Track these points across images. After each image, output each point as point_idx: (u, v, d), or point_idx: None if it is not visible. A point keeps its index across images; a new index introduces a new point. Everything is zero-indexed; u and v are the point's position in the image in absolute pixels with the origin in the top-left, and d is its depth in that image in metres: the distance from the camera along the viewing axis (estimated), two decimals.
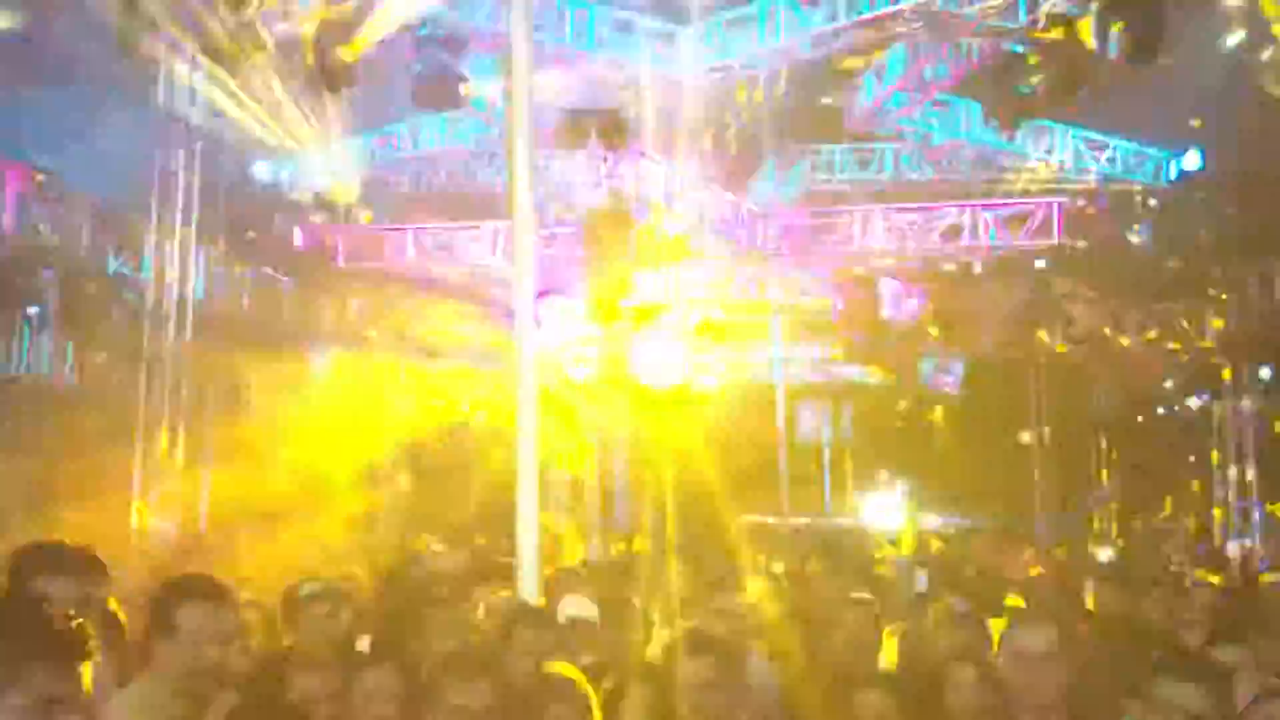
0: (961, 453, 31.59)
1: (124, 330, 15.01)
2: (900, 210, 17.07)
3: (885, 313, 17.38)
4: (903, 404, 28.12)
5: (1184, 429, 24.82)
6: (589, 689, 4.14)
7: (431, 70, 13.78)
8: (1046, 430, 24.48)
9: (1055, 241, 16.26)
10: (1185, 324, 20.66)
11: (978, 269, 17.87)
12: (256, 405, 19.33)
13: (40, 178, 14.38)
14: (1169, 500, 27.83)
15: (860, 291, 17.19)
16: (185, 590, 3.36)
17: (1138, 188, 16.93)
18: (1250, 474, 19.96)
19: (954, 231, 16.67)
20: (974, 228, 16.57)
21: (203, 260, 16.01)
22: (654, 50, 15.11)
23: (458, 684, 3.66)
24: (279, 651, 4.49)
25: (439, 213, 18.65)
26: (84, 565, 3.41)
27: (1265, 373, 20.02)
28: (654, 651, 5.08)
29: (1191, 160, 16.14)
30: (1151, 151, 16.72)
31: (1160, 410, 24.03)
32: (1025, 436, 27.13)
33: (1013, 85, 13.12)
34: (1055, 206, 16.29)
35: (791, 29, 14.34)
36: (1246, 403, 20.00)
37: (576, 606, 5.95)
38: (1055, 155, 17.07)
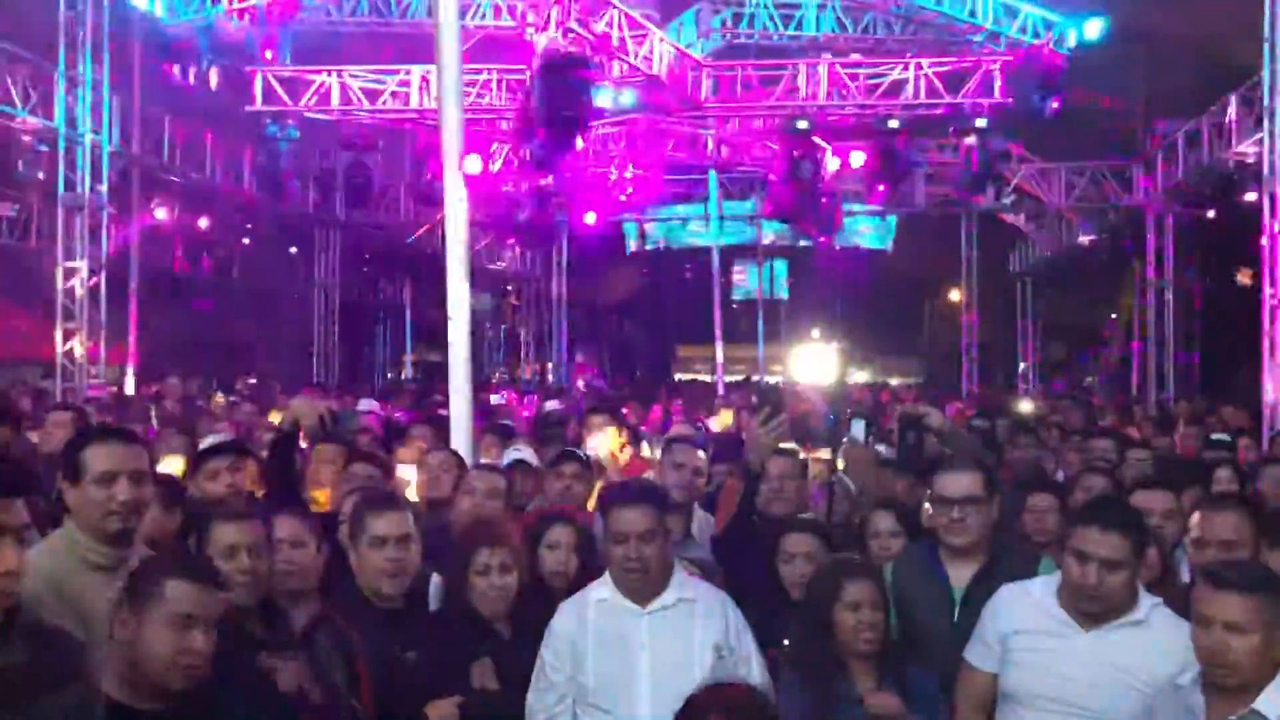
0: (893, 309, 31.97)
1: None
2: (845, 65, 16.70)
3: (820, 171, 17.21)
4: (836, 263, 28.29)
5: (1109, 285, 25.34)
6: (517, 531, 4.17)
7: None
8: (975, 287, 24.82)
9: (995, 99, 16.13)
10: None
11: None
12: None
13: None
14: (1093, 356, 28.55)
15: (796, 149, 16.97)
16: (90, 435, 3.36)
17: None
18: (1169, 329, 20.51)
19: (896, 88, 16.47)
20: (916, 83, 16.35)
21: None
22: None
23: (374, 515, 3.76)
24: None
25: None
26: None
27: None
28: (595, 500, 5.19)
29: (1094, 29, 16.13)
30: (1057, 18, 16.62)
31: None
32: (954, 294, 27.60)
33: None
34: (998, 65, 16.10)
35: None
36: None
37: (519, 453, 6.11)
38: (979, 17, 17.09)
